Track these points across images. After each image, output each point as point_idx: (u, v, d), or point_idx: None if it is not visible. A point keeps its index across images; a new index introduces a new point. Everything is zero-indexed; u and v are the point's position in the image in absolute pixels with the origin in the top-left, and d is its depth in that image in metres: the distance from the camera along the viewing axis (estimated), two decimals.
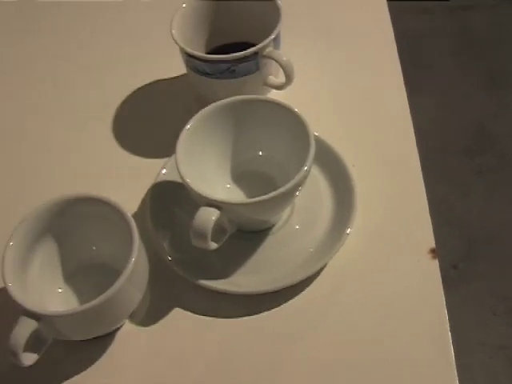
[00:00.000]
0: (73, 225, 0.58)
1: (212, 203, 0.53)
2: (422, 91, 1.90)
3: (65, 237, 0.58)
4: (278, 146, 0.62)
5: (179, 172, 0.55)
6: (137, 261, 0.52)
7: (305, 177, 0.55)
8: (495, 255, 1.58)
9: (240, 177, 0.63)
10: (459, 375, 0.52)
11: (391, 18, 0.82)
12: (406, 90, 0.73)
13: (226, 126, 0.61)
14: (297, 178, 0.53)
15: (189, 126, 0.58)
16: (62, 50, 0.85)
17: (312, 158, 0.55)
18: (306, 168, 0.54)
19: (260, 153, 0.64)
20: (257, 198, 0.53)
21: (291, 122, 0.58)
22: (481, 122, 1.87)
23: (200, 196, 0.53)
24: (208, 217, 0.52)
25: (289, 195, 0.56)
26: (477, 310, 1.49)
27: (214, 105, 0.60)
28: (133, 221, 0.53)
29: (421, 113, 1.84)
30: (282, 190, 0.53)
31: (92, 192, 0.56)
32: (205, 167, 0.60)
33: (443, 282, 0.57)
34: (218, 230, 0.55)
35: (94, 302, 0.50)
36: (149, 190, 0.64)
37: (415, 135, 0.68)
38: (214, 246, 0.54)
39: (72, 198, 0.56)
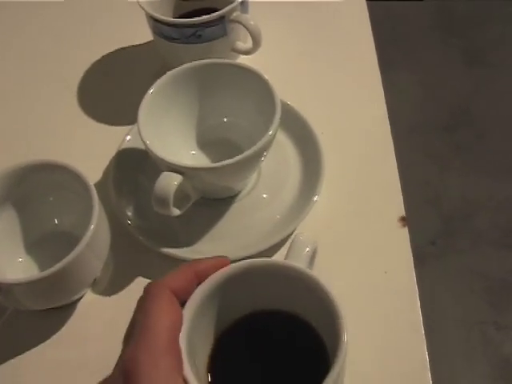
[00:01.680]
0: (33, 193, 0.56)
1: (174, 168, 0.52)
2: (401, 68, 1.89)
3: (25, 205, 0.57)
4: (243, 111, 0.60)
5: (141, 136, 0.53)
6: (96, 228, 0.50)
7: (270, 142, 0.53)
8: (473, 232, 1.58)
9: (205, 144, 0.62)
10: (435, 350, 0.52)
11: None
12: (385, 67, 0.71)
13: (190, 91, 0.59)
14: (261, 142, 0.52)
15: (152, 90, 0.57)
16: (27, 19, 0.83)
17: (277, 123, 0.54)
18: (270, 132, 0.53)
19: (225, 119, 0.62)
20: (220, 163, 0.52)
21: (257, 87, 0.57)
22: (459, 99, 1.86)
23: (162, 161, 0.52)
24: (170, 182, 0.51)
25: (253, 160, 0.54)
26: (454, 287, 1.49)
27: (178, 69, 0.58)
28: (93, 187, 0.52)
29: (399, 89, 1.85)
30: (245, 154, 0.52)
31: (52, 159, 0.55)
32: (169, 132, 0.59)
33: (421, 258, 0.56)
34: (181, 196, 0.54)
35: (51, 270, 0.48)
36: (113, 157, 0.62)
37: (394, 112, 0.67)
38: (176, 212, 0.53)
39: (31, 165, 0.55)
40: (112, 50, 0.76)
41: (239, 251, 0.55)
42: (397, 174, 0.61)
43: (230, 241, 0.57)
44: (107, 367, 0.47)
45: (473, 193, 1.65)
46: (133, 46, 0.76)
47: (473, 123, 1.80)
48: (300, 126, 0.62)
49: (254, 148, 0.52)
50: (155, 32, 0.67)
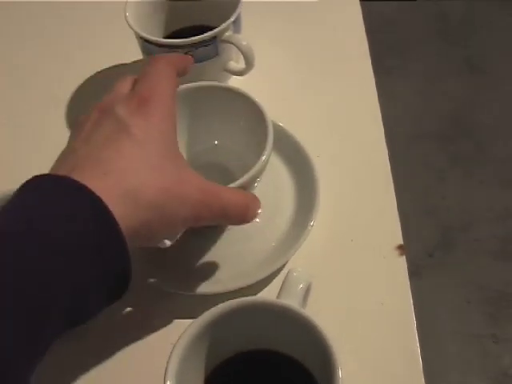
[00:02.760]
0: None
1: None
2: (398, 77, 1.88)
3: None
4: (235, 135, 0.58)
5: None
6: None
7: (263, 168, 0.52)
8: (471, 243, 1.57)
9: (196, 169, 0.60)
10: (432, 363, 0.50)
11: (365, 1, 0.79)
12: (382, 77, 0.70)
13: (180, 115, 0.57)
14: (254, 169, 0.51)
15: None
16: (17, 38, 0.81)
17: (270, 148, 0.52)
18: (264, 158, 0.51)
19: (216, 142, 0.61)
20: None
21: (248, 110, 0.55)
22: (457, 109, 1.85)
23: None
24: None
25: (246, 187, 0.53)
26: (451, 299, 1.48)
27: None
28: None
29: (396, 99, 1.84)
30: (238, 182, 0.50)
31: None
32: None
33: (418, 270, 0.55)
34: None
35: None
36: None
37: (391, 122, 0.65)
38: (166, 243, 0.51)
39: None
40: (103, 68, 0.74)
41: (235, 281, 0.54)
42: (395, 200, 0.59)
43: (222, 271, 0.55)
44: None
45: (471, 203, 1.64)
46: (123, 64, 0.74)
47: (471, 132, 1.79)
48: (294, 150, 0.61)
49: (247, 175, 0.50)
50: (144, 52, 0.65)
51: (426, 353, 0.50)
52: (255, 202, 0.49)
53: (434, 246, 1.55)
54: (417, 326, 0.52)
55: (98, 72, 0.74)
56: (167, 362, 0.40)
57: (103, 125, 0.44)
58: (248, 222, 0.49)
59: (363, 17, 0.76)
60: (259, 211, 0.50)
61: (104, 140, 0.43)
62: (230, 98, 0.57)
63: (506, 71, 1.94)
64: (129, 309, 0.55)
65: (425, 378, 0.49)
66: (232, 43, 0.62)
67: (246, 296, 0.53)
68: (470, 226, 1.60)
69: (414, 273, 1.44)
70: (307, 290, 0.45)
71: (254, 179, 0.52)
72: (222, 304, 0.42)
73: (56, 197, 0.39)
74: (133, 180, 0.41)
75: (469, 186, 1.67)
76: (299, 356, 0.44)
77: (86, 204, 0.38)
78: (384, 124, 0.65)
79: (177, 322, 0.54)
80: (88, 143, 0.44)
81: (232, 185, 0.50)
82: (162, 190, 0.42)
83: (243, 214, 0.48)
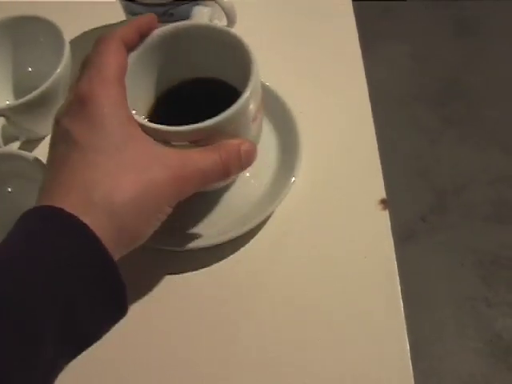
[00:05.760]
0: None
1: None
2: (391, 39, 1.87)
3: None
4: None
5: None
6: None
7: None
8: (464, 206, 1.58)
9: None
10: (426, 327, 0.51)
11: None
12: (374, 39, 0.70)
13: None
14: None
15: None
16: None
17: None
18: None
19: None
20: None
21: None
22: (450, 71, 1.85)
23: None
24: None
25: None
26: (445, 262, 1.49)
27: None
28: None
29: (389, 61, 1.83)
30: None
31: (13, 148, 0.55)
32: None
33: (411, 235, 0.55)
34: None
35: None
36: None
37: (383, 84, 0.65)
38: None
39: None
40: (85, 29, 0.74)
41: (217, 236, 0.54)
42: (377, 155, 0.59)
43: (206, 227, 0.56)
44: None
45: (464, 166, 1.64)
46: (102, 26, 0.73)
47: (464, 95, 1.79)
48: (277, 106, 0.60)
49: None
50: (126, 11, 0.65)
51: (418, 317, 0.51)
52: (233, 154, 0.46)
53: (427, 210, 1.56)
54: (410, 290, 0.53)
55: (79, 36, 0.73)
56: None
57: (56, 144, 0.43)
58: (235, 174, 0.48)
59: None
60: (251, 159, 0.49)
61: (59, 162, 0.42)
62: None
63: (498, 32, 1.93)
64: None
65: (417, 342, 0.49)
66: (214, 0, 0.62)
67: (233, 250, 0.54)
68: (463, 190, 1.60)
69: (408, 237, 1.45)
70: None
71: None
72: (168, 25, 0.51)
73: (40, 226, 0.38)
74: (97, 191, 0.40)
75: (462, 149, 1.67)
76: (233, 81, 0.52)
77: (58, 226, 0.38)
78: (374, 86, 0.65)
79: (165, 277, 0.55)
80: (50, 167, 0.43)
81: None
82: (130, 188, 0.41)
83: (225, 173, 0.46)
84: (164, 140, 0.45)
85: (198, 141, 0.46)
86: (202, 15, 0.60)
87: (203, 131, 0.45)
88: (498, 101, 1.77)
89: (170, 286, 0.54)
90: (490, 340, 1.40)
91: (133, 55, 0.49)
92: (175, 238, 0.55)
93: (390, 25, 1.92)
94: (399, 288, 0.52)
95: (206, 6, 0.62)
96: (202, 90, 0.55)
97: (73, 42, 0.66)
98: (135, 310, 0.52)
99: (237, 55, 0.50)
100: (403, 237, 1.41)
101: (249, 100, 0.47)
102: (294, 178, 0.56)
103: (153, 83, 0.54)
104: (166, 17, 0.62)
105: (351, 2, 0.72)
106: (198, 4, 0.61)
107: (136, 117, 0.45)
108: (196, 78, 0.55)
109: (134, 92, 0.47)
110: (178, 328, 0.52)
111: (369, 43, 0.69)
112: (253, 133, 0.50)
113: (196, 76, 0.55)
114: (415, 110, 1.75)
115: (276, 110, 0.61)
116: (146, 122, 0.46)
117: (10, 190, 0.55)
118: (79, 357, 0.39)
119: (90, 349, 0.39)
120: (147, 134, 0.44)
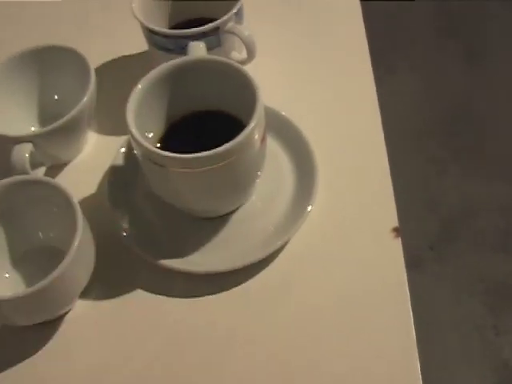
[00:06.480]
0: (19, 209, 0.56)
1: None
2: (400, 69, 1.88)
3: (10, 221, 0.57)
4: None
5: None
6: (81, 243, 0.51)
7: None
8: (472, 236, 1.58)
9: None
10: (433, 355, 0.52)
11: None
12: (383, 68, 0.71)
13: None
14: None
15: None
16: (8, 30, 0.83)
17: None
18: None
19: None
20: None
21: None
22: (458, 100, 1.85)
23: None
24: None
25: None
26: (453, 290, 1.49)
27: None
28: (75, 202, 0.52)
29: (397, 90, 1.85)
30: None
31: (39, 175, 0.56)
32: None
33: (419, 263, 0.56)
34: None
35: (38, 286, 0.49)
36: (107, 168, 0.62)
37: (392, 113, 0.67)
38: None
39: (17, 182, 0.55)
40: (108, 59, 0.76)
41: (233, 262, 0.56)
42: (390, 184, 0.61)
43: (223, 252, 0.57)
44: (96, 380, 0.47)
45: (472, 196, 1.64)
46: (125, 56, 0.76)
47: (472, 124, 1.80)
48: (294, 136, 0.63)
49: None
50: (150, 42, 0.67)
51: (427, 344, 0.51)
52: None
53: (435, 239, 1.57)
54: (418, 318, 0.54)
55: (104, 64, 0.75)
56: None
57: None
58: None
59: (362, 14, 0.78)
60: None
61: None
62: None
63: (508, 62, 1.93)
64: (135, 290, 0.57)
65: (425, 369, 0.50)
66: (234, 34, 0.64)
67: (248, 277, 0.56)
68: (470, 219, 1.61)
69: (415, 265, 1.46)
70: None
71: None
72: (175, 60, 0.56)
73: None
74: None
75: (470, 178, 1.68)
76: (242, 115, 0.55)
77: None
78: (385, 119, 0.66)
79: (180, 300, 0.56)
80: None
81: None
82: None
83: None
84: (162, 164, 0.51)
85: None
86: (198, 50, 0.62)
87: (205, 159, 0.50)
88: (507, 131, 1.78)
89: (181, 310, 0.56)
90: (497, 368, 1.40)
91: (145, 82, 0.55)
92: (188, 264, 0.56)
93: (401, 57, 1.93)
94: (411, 313, 0.53)
95: (208, 40, 0.64)
96: (205, 123, 0.60)
97: (98, 70, 0.68)
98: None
99: (240, 85, 0.54)
100: (411, 265, 1.42)
101: (254, 130, 0.51)
102: (310, 207, 0.57)
103: (163, 112, 0.59)
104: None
105: (364, 32, 0.74)
106: (196, 39, 0.63)
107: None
108: (200, 111, 0.60)
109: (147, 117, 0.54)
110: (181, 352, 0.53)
111: (380, 73, 0.71)
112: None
113: (199, 109, 0.60)
114: (423, 140, 1.76)
115: (292, 139, 0.63)
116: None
117: (35, 213, 0.57)
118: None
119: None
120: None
